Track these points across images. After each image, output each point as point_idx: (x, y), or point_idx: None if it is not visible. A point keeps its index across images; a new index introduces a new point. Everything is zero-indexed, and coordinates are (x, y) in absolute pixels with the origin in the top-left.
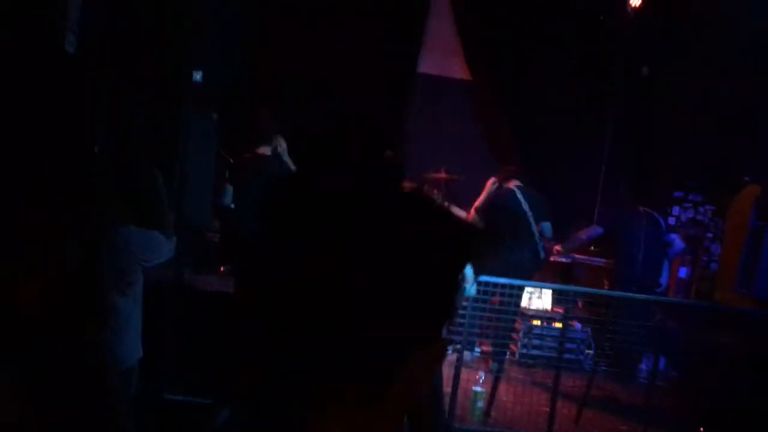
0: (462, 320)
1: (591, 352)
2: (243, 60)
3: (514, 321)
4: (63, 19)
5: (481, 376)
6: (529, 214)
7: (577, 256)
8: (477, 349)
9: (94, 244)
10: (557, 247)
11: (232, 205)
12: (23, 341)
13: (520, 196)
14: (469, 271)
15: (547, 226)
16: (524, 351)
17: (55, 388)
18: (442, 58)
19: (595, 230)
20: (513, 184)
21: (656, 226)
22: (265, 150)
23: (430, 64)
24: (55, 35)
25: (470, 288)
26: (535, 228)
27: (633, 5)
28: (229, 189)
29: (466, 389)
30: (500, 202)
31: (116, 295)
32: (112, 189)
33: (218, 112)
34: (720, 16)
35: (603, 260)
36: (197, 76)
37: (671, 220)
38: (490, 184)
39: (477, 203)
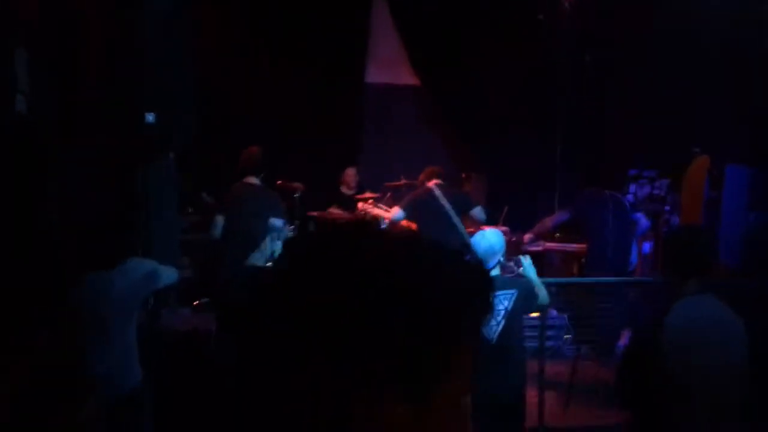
0: None
1: (570, 336)
2: (197, 99)
3: None
4: (12, 81)
5: None
6: (448, 208)
7: (547, 243)
8: None
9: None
10: (526, 236)
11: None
12: None
13: (437, 192)
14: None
15: (477, 210)
16: None
17: None
18: (388, 66)
19: (562, 215)
20: (433, 183)
21: (622, 207)
22: (254, 179)
23: (377, 73)
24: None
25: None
26: (457, 221)
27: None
28: (220, 220)
29: None
30: (420, 200)
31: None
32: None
33: (176, 152)
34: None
35: (574, 245)
36: (149, 117)
37: (629, 198)
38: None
39: (401, 202)
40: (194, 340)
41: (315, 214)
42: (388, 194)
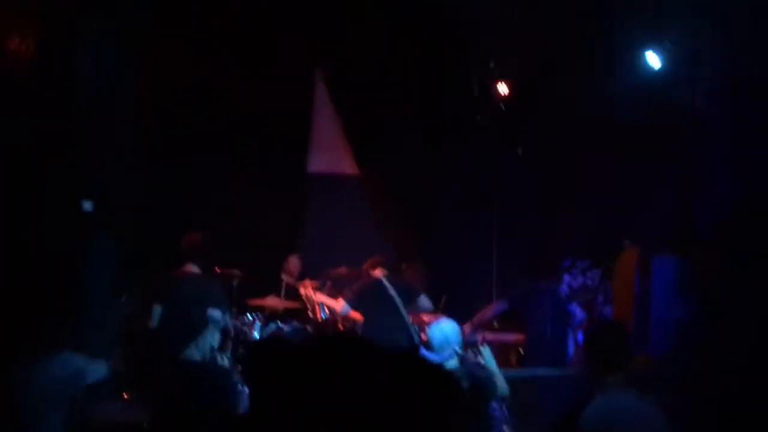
0: None
1: (507, 428)
2: (137, 184)
3: None
4: None
5: None
6: (397, 299)
7: (486, 334)
8: None
9: None
10: (466, 326)
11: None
12: None
13: (386, 283)
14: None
15: (423, 299)
16: None
17: None
18: (329, 155)
19: (501, 306)
20: (379, 273)
21: (558, 299)
22: (194, 268)
23: (319, 162)
24: None
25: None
26: (405, 313)
27: (502, 94)
28: (157, 310)
29: None
30: (368, 291)
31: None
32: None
33: (114, 237)
34: (584, 93)
35: (512, 336)
36: (87, 205)
37: (564, 289)
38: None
39: (345, 294)
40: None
41: (255, 302)
42: (328, 283)
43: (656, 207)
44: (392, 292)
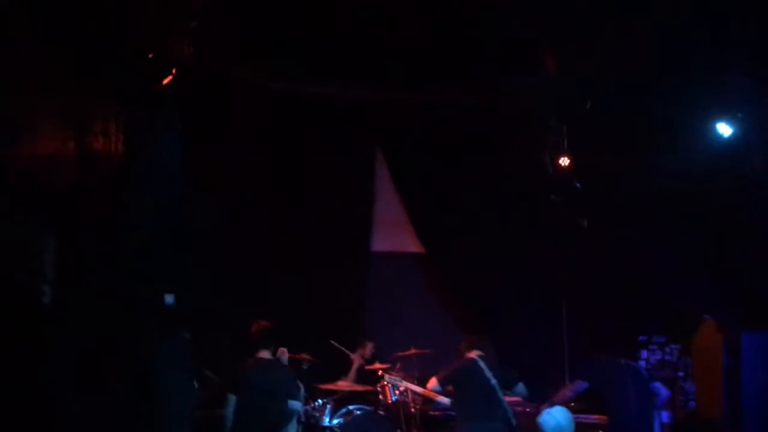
0: None
1: None
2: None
3: None
4: (39, 274)
5: None
6: (494, 382)
7: None
8: None
9: None
10: (544, 406)
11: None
12: None
13: (482, 365)
14: None
15: (521, 387)
16: None
17: None
18: (393, 234)
19: (581, 385)
20: (475, 354)
21: (639, 376)
22: (266, 354)
23: (383, 242)
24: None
25: None
26: (502, 396)
27: (562, 165)
28: (232, 399)
29: None
30: (464, 373)
31: None
32: None
33: (190, 331)
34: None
35: (594, 416)
36: (169, 299)
37: (642, 364)
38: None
39: (439, 374)
40: None
41: (324, 386)
42: (398, 365)
43: (738, 281)
44: (488, 374)
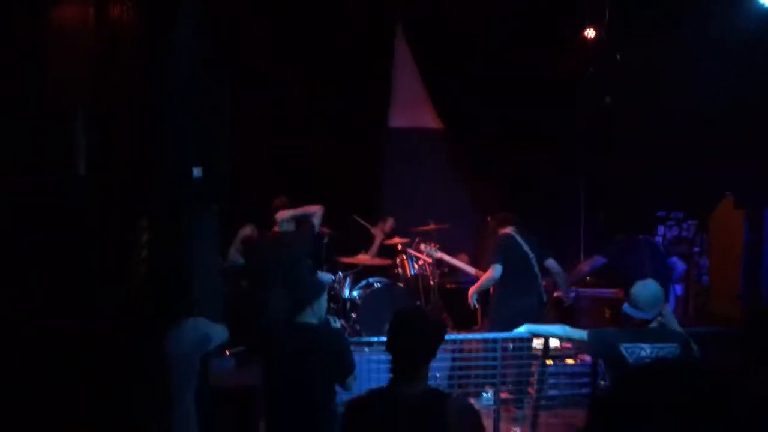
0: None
1: (605, 382)
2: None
3: (530, 365)
4: (73, 144)
5: (517, 431)
6: (531, 255)
7: (580, 289)
8: (486, 395)
9: None
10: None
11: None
12: None
13: (519, 239)
14: None
15: (552, 262)
16: (542, 393)
17: None
18: (411, 109)
19: (598, 261)
20: (510, 230)
21: (657, 251)
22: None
23: (400, 117)
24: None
25: None
26: (538, 270)
27: (589, 37)
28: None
29: None
30: (505, 247)
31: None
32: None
33: (218, 204)
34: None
35: (608, 290)
36: (197, 171)
37: (658, 239)
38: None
39: (491, 257)
40: (243, 397)
41: (345, 259)
42: (417, 239)
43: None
44: (526, 248)
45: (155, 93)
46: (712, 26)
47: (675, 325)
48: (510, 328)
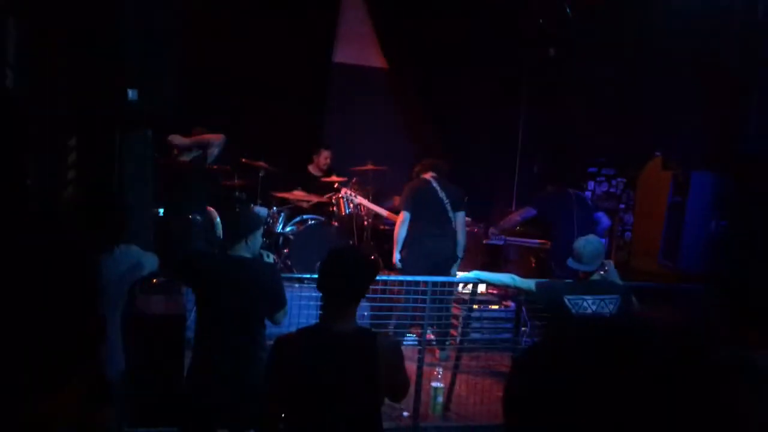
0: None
1: (526, 329)
2: (174, 72)
3: (450, 308)
4: (2, 54)
5: (439, 371)
6: (446, 202)
7: (508, 237)
8: (411, 336)
9: None
10: (491, 229)
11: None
12: None
13: (435, 185)
14: None
15: (461, 216)
16: (465, 336)
17: None
18: (357, 46)
19: (529, 211)
20: (429, 176)
21: (585, 205)
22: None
23: (345, 53)
24: None
25: None
26: (453, 215)
27: None
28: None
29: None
30: (418, 193)
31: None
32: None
33: (153, 129)
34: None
35: (536, 241)
36: (132, 94)
37: (587, 194)
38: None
39: (402, 201)
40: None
41: (280, 194)
42: (354, 179)
43: (697, 122)
44: (441, 194)
45: (96, 3)
46: None
47: (616, 278)
48: (421, 269)
